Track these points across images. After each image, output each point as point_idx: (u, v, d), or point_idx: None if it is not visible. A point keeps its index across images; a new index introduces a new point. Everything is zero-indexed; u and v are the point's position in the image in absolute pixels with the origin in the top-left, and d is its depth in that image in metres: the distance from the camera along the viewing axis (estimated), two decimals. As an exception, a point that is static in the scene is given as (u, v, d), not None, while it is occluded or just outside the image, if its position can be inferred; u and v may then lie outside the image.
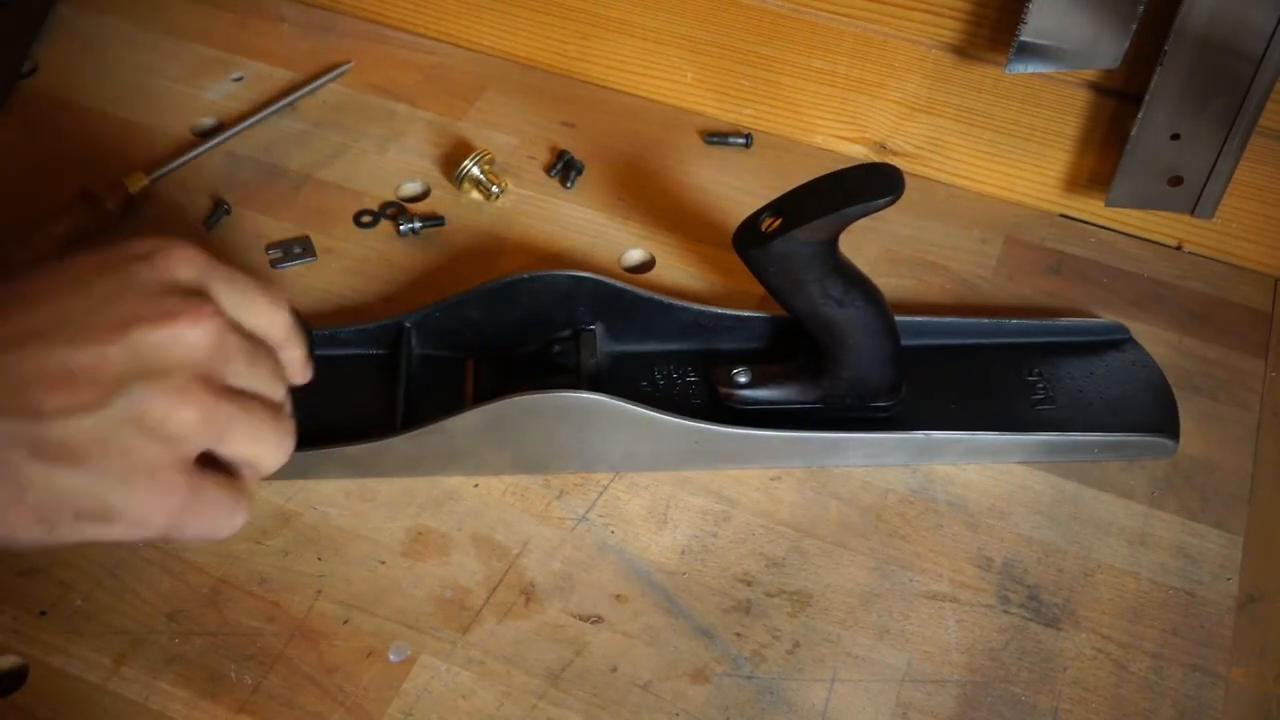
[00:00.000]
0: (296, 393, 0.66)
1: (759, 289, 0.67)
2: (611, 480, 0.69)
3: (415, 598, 0.63)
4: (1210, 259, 0.83)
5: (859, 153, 0.89)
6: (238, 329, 0.50)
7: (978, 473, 0.70)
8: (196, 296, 0.48)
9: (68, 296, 0.46)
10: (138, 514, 0.47)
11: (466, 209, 0.84)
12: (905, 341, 0.69)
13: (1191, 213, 0.78)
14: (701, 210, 0.85)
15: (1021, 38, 0.73)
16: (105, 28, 0.96)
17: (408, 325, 0.72)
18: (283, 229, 0.82)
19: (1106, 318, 0.77)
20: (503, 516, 0.67)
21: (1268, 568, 0.66)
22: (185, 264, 0.49)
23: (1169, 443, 0.70)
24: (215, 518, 0.50)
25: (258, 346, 0.52)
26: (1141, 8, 0.70)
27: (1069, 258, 0.83)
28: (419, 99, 0.92)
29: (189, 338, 0.47)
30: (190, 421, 0.47)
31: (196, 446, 0.49)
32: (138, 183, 0.81)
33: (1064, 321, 0.76)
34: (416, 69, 0.95)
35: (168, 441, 0.47)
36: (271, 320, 0.53)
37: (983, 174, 0.87)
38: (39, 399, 0.44)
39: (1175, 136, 0.74)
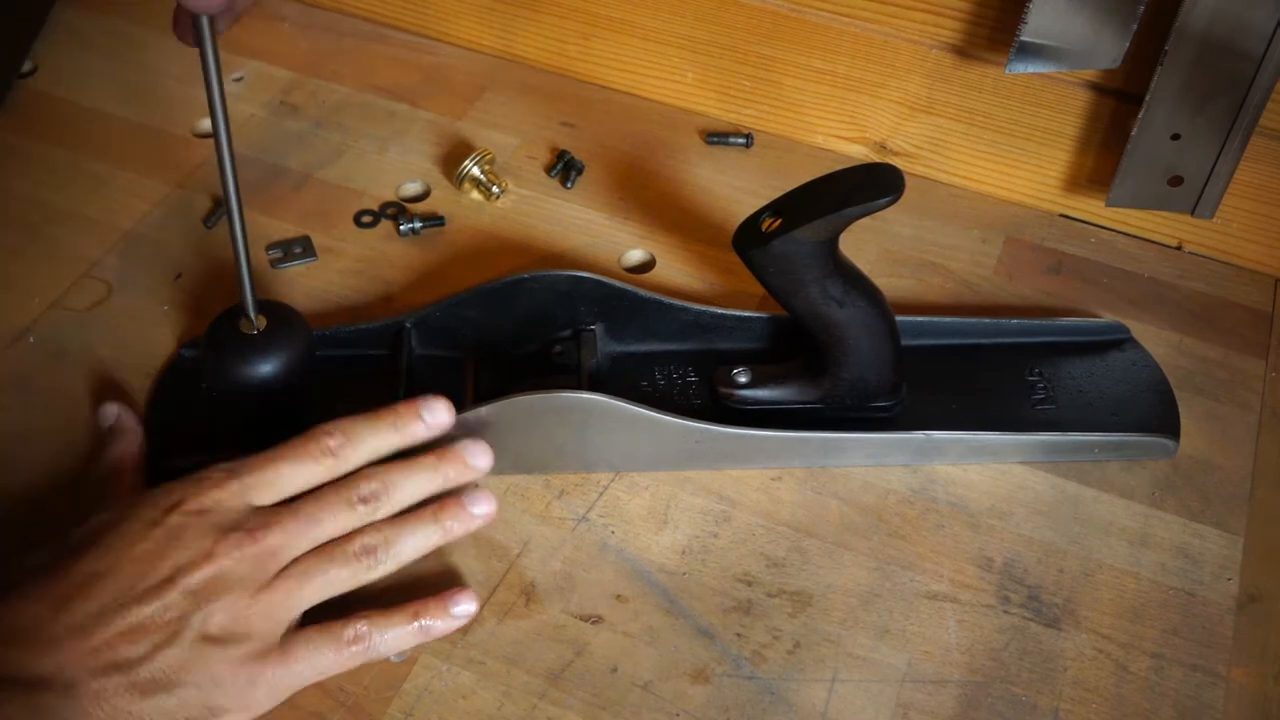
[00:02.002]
0: (299, 393, 0.66)
1: (759, 289, 0.67)
2: (612, 480, 0.69)
3: (415, 597, 0.63)
4: (1210, 259, 0.83)
5: (859, 153, 0.89)
6: (277, 522, 0.59)
7: (978, 473, 0.70)
8: (232, 530, 0.58)
9: (127, 564, 0.56)
10: (241, 702, 0.56)
11: (467, 209, 0.84)
12: (905, 341, 0.69)
13: (1192, 213, 0.78)
14: (701, 210, 0.85)
15: (1022, 38, 0.73)
16: (105, 28, 0.96)
17: (408, 325, 0.72)
18: (283, 229, 0.82)
19: (1107, 317, 0.77)
20: (503, 516, 0.67)
21: (1268, 568, 0.66)
22: (211, 498, 0.59)
23: (1169, 443, 0.70)
24: (319, 662, 0.58)
25: (302, 513, 0.59)
26: (1142, 8, 0.70)
27: (1069, 258, 0.83)
28: (419, 99, 0.92)
29: (228, 568, 0.57)
30: (253, 620, 0.57)
31: (273, 633, 0.57)
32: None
33: (1064, 321, 0.76)
34: (416, 69, 0.95)
35: (242, 641, 0.56)
36: (309, 476, 0.61)
37: (983, 174, 0.87)
38: (126, 652, 0.54)
39: (1176, 136, 0.74)
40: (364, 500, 0.61)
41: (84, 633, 0.54)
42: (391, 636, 0.60)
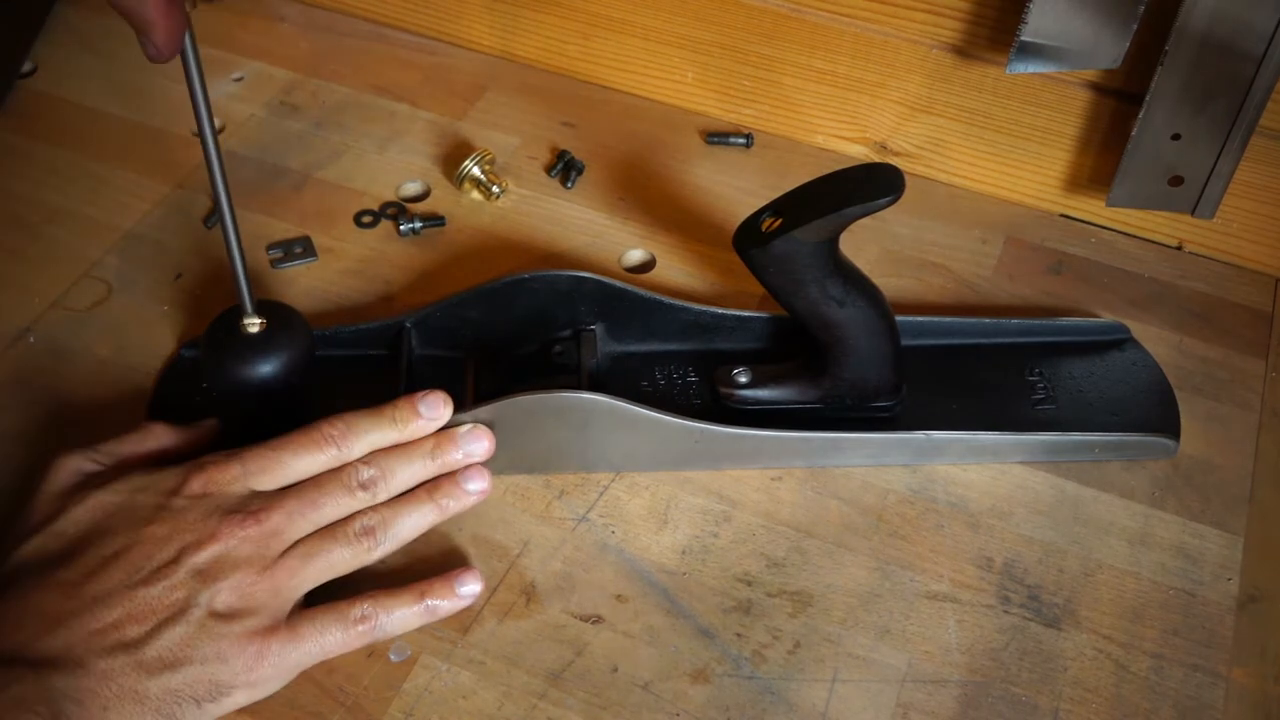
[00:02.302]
0: (299, 393, 0.67)
1: (759, 289, 0.67)
2: (612, 480, 0.69)
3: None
4: (1211, 259, 0.83)
5: (859, 153, 0.89)
6: (279, 504, 0.60)
7: (978, 473, 0.70)
8: (234, 512, 0.59)
9: (134, 547, 0.57)
10: (247, 678, 0.57)
11: (467, 209, 0.84)
12: (905, 341, 0.69)
13: (1192, 213, 0.78)
14: (702, 210, 0.85)
15: (1022, 38, 0.73)
16: (105, 28, 0.96)
17: (408, 325, 0.72)
18: (283, 229, 0.82)
19: (1107, 317, 0.77)
20: (503, 516, 0.67)
21: (1268, 568, 0.66)
22: (213, 481, 0.60)
23: (1169, 443, 0.70)
24: (326, 641, 0.59)
25: (304, 496, 0.60)
26: (1142, 8, 0.70)
27: (1069, 258, 0.83)
28: (419, 99, 0.92)
29: (232, 547, 0.58)
30: (259, 595, 0.58)
31: (280, 609, 0.58)
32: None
33: (1064, 321, 0.76)
34: (416, 69, 0.95)
35: (249, 616, 0.57)
36: (310, 465, 0.62)
37: (983, 174, 0.87)
38: (133, 631, 0.55)
39: (1176, 136, 0.74)
40: (363, 486, 0.61)
41: (92, 615, 0.55)
42: (398, 617, 0.60)
